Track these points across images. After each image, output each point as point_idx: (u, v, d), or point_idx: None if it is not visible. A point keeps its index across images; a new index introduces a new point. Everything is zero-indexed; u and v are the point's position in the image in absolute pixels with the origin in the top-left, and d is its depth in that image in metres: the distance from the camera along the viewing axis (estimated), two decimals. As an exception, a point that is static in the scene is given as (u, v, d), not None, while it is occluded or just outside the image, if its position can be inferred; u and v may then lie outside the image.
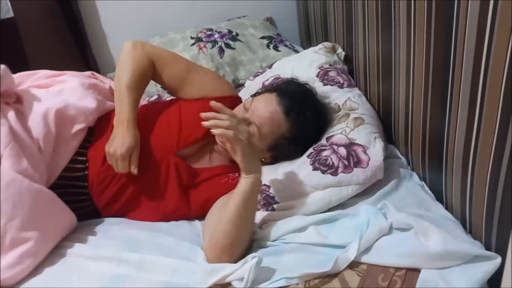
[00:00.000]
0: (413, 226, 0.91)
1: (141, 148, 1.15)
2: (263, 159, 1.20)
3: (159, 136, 1.20)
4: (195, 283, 0.91)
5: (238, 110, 1.19)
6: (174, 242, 1.06)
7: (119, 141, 1.09)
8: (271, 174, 1.17)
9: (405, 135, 1.19)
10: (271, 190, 1.13)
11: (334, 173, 1.08)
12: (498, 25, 0.73)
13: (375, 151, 1.12)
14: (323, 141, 1.17)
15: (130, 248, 1.02)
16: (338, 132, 1.18)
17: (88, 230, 1.11)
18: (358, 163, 1.09)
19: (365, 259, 0.90)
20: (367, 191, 1.11)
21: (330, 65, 1.49)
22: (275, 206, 1.11)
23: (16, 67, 1.30)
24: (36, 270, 0.98)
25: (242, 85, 1.80)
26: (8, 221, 0.93)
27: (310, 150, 1.17)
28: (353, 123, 1.19)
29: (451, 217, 1.00)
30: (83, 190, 1.14)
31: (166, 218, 1.17)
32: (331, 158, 1.11)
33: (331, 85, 1.38)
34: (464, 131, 0.90)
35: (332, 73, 1.45)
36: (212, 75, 1.38)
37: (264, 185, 1.14)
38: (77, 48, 2.01)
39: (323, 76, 1.43)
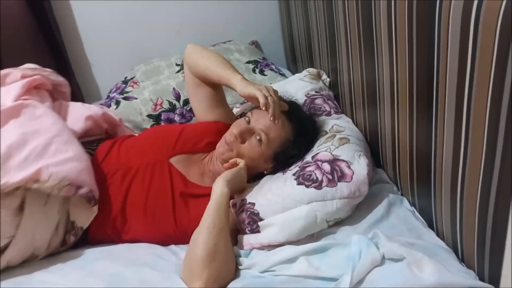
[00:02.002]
0: (406, 257, 0.88)
1: (138, 147, 1.29)
2: (265, 171, 1.23)
3: (157, 140, 1.31)
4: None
5: (240, 123, 1.22)
6: (160, 277, 1.03)
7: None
8: (256, 192, 1.16)
9: (392, 160, 1.18)
10: (256, 207, 1.11)
11: (318, 187, 1.07)
12: (481, 44, 0.72)
13: (359, 166, 1.11)
14: (308, 158, 1.16)
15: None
16: (323, 150, 1.17)
17: (70, 265, 1.08)
18: (342, 177, 1.08)
19: (358, 292, 0.88)
20: (357, 218, 1.09)
21: (316, 91, 1.50)
22: (259, 223, 1.09)
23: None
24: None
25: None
26: (57, 135, 1.14)
27: (296, 168, 1.15)
28: (338, 142, 1.19)
29: (444, 245, 0.98)
30: None
31: (149, 217, 1.17)
32: (315, 173, 1.10)
33: (319, 114, 1.39)
34: (451, 153, 0.89)
35: (318, 101, 1.45)
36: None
37: (249, 203, 1.13)
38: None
39: (310, 104, 1.43)
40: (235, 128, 1.20)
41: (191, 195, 1.19)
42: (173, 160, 1.26)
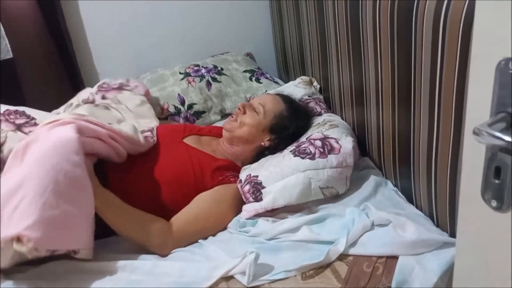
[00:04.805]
0: (392, 221, 1.07)
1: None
2: (263, 143, 1.43)
3: (166, 131, 1.49)
4: (202, 279, 1.03)
5: (241, 103, 1.50)
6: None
7: None
8: (259, 167, 1.36)
9: (377, 148, 1.37)
10: (259, 178, 1.30)
11: (312, 158, 1.28)
12: (447, 51, 0.92)
13: (346, 141, 1.32)
14: (303, 139, 1.38)
15: (142, 258, 1.14)
16: (316, 132, 1.39)
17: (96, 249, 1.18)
18: (331, 150, 1.29)
19: (352, 251, 1.06)
20: (348, 197, 1.28)
21: (309, 96, 1.70)
22: (262, 190, 1.27)
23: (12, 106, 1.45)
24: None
25: (228, 114, 1.96)
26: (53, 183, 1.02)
27: (293, 147, 1.35)
28: (329, 127, 1.41)
29: (422, 214, 1.16)
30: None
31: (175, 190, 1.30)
32: (309, 148, 1.31)
33: (312, 115, 1.59)
34: (426, 138, 1.08)
35: (311, 104, 1.65)
36: None
37: (253, 176, 1.32)
38: (71, 86, 2.11)
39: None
40: (238, 104, 1.51)
41: (207, 166, 1.35)
42: (185, 140, 1.47)
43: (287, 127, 1.45)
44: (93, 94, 1.69)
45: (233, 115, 1.49)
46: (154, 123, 1.56)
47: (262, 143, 1.44)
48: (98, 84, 1.77)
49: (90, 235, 1.10)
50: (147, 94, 1.78)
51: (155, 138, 1.41)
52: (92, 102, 1.66)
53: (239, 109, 1.48)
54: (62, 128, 1.12)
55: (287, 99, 1.53)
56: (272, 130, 1.45)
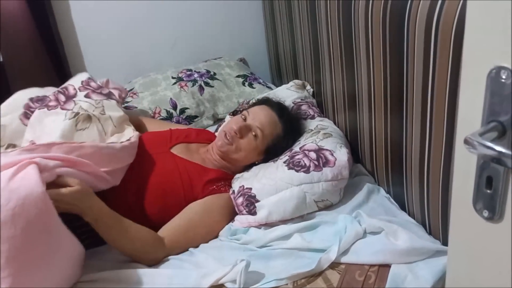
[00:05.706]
0: (384, 229, 1.06)
1: (140, 146, 1.34)
2: (256, 162, 1.40)
3: (152, 140, 1.41)
4: (191, 287, 1.01)
5: (238, 120, 1.41)
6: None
7: None
8: (252, 179, 1.32)
9: (370, 155, 1.36)
10: (253, 191, 1.27)
11: (307, 172, 1.25)
12: (439, 58, 0.91)
13: (341, 153, 1.30)
14: (296, 149, 1.35)
15: (129, 266, 1.12)
16: (309, 142, 1.36)
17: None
18: (326, 163, 1.26)
19: (344, 259, 1.04)
20: (341, 204, 1.26)
21: (301, 99, 1.68)
22: (256, 204, 1.24)
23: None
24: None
25: (221, 119, 1.95)
26: None
27: (286, 157, 1.32)
28: (322, 136, 1.38)
29: (414, 221, 1.15)
30: None
31: (163, 204, 1.26)
32: (303, 160, 1.28)
33: (304, 118, 1.58)
34: (418, 145, 1.07)
35: (304, 107, 1.63)
36: None
37: (246, 188, 1.28)
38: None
39: (296, 110, 1.61)
40: (234, 125, 1.38)
41: (197, 178, 1.32)
42: (173, 150, 1.41)
43: (283, 147, 1.41)
44: (75, 88, 1.49)
45: (228, 137, 1.37)
46: (134, 138, 1.36)
47: (256, 162, 1.42)
48: (83, 79, 1.55)
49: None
50: (122, 95, 1.62)
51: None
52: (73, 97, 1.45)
53: (235, 133, 1.36)
54: (24, 180, 0.93)
55: (283, 116, 1.45)
56: (268, 151, 1.40)
